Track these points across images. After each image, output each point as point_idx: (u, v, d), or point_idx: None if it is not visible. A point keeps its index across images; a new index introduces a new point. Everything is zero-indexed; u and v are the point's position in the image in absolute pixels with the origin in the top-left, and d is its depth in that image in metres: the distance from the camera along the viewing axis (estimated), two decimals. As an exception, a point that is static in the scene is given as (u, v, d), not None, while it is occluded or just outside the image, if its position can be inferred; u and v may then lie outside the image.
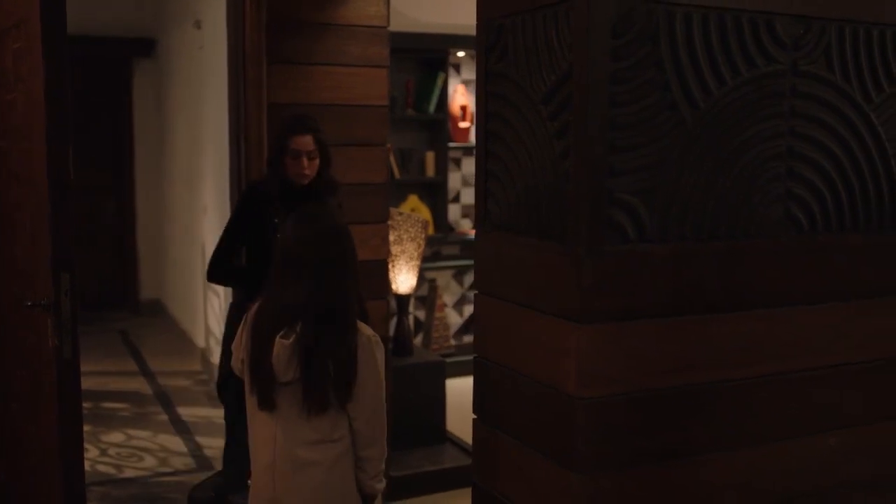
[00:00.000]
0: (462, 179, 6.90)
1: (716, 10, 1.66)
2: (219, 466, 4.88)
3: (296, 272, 2.46)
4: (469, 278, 6.92)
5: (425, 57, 6.54)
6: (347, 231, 2.59)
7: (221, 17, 4.83)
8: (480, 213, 1.94)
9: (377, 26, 4.20)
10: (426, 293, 6.76)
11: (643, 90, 1.62)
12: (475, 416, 2.00)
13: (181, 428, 5.55)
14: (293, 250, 2.49)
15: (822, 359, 1.85)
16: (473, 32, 2.00)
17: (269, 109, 3.98)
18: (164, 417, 5.74)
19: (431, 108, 6.52)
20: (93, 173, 8.14)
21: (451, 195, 6.82)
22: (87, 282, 6.55)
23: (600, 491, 1.65)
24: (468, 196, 6.92)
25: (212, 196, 6.37)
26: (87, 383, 3.28)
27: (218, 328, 6.27)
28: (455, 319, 6.94)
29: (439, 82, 6.49)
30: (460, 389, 5.16)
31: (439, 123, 6.60)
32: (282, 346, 2.42)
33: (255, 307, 2.57)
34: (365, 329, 2.51)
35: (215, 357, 6.38)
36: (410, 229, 5.03)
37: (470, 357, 2.07)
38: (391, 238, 4.69)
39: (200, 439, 5.35)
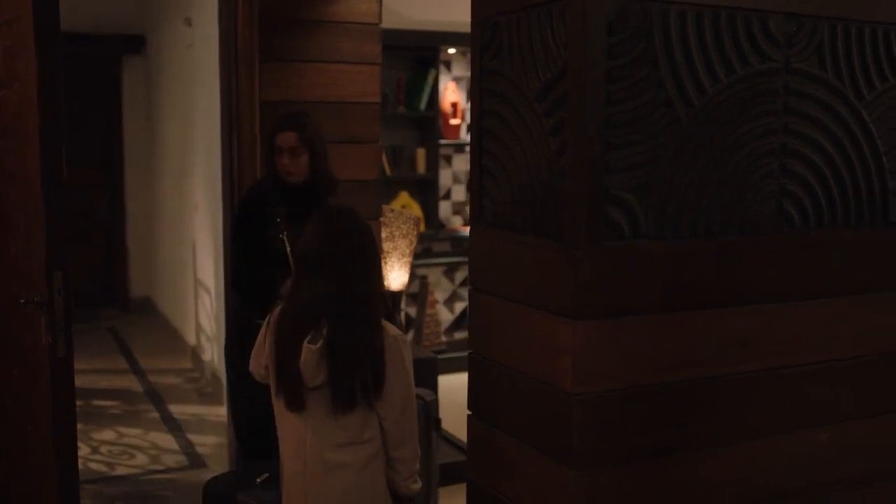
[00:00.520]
0: (453, 176, 6.91)
1: (710, 8, 1.67)
2: (211, 464, 4.89)
3: (316, 272, 2.42)
4: (460, 275, 6.92)
5: (416, 54, 6.54)
6: (368, 228, 2.54)
7: (212, 13, 4.81)
8: (475, 210, 1.94)
9: (369, 23, 4.19)
10: (417, 290, 6.76)
11: (638, 88, 1.63)
12: (470, 413, 2.00)
13: (172, 425, 5.54)
14: (312, 250, 2.45)
15: (815, 354, 1.86)
16: (465, 29, 2.00)
17: (261, 107, 3.97)
18: (156, 415, 5.73)
19: (422, 105, 6.52)
20: (87, 171, 8.11)
21: (441, 192, 6.83)
22: (78, 280, 6.52)
23: (597, 487, 1.66)
24: (459, 193, 6.93)
25: (203, 194, 6.35)
26: (78, 381, 3.26)
27: (209, 326, 6.26)
28: (446, 316, 6.95)
29: (430, 79, 6.49)
30: (452, 386, 5.15)
31: (430, 120, 6.60)
32: (309, 351, 2.37)
33: (277, 310, 2.53)
34: (391, 329, 2.47)
35: (206, 354, 6.38)
36: (402, 226, 5.03)
37: (461, 353, 2.07)
38: (383, 235, 4.69)
39: (192, 437, 5.34)
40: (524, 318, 1.75)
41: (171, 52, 7.48)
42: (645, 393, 1.68)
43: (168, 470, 4.87)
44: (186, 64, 6.74)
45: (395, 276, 5.13)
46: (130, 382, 6.44)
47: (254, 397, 3.48)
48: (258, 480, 2.70)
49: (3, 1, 3.12)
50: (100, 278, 8.59)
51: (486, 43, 1.86)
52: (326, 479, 2.45)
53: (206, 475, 4.74)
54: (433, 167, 6.66)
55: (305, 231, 2.51)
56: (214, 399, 5.87)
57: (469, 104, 3.29)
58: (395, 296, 5.21)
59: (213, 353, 6.13)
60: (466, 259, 2.45)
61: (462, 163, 6.85)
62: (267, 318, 2.57)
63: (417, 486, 2.62)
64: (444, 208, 6.90)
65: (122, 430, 5.46)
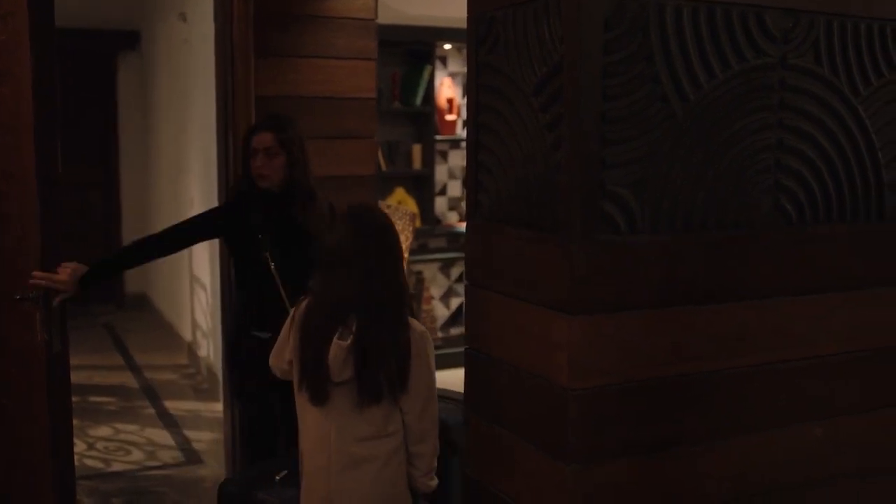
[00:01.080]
0: (448, 172, 6.90)
1: (706, 3, 1.67)
2: (207, 459, 4.89)
3: (345, 269, 2.45)
4: (456, 271, 6.93)
5: (412, 49, 6.53)
6: (394, 226, 2.59)
7: (207, 9, 4.80)
8: (471, 206, 1.94)
9: (365, 18, 4.19)
10: (413, 286, 6.76)
11: (634, 83, 1.63)
12: (466, 409, 2.00)
13: (168, 421, 5.54)
14: (342, 248, 2.48)
15: (810, 349, 1.87)
16: (461, 25, 2.00)
17: (256, 102, 3.96)
18: (151, 411, 5.73)
19: (418, 100, 6.51)
20: (84, 169, 8.09)
21: (437, 188, 6.82)
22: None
23: (593, 483, 1.66)
24: (455, 189, 6.92)
25: (198, 190, 6.35)
26: (73, 377, 3.26)
27: (205, 322, 6.26)
28: (442, 312, 6.95)
29: (426, 75, 6.48)
30: (448, 381, 5.15)
31: (426, 116, 6.59)
32: (339, 347, 2.41)
33: (302, 306, 2.55)
34: (416, 325, 2.52)
35: (202, 350, 6.37)
36: (398, 222, 5.01)
37: (457, 349, 2.08)
38: (379, 231, 4.68)
39: (188, 433, 5.34)
40: (520, 313, 1.75)
41: (166, 48, 7.46)
42: (640, 388, 1.68)
43: (164, 466, 4.87)
44: (182, 60, 6.73)
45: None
46: (126, 379, 6.44)
47: (254, 398, 3.49)
48: (277, 478, 2.69)
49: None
50: (95, 274, 8.56)
51: (481, 38, 1.86)
52: (351, 473, 2.48)
53: (202, 471, 4.76)
54: (429, 163, 6.66)
55: (332, 229, 2.55)
56: (210, 395, 5.86)
57: (465, 99, 3.28)
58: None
59: (209, 349, 6.13)
60: (462, 255, 2.46)
61: (458, 158, 6.85)
62: (291, 313, 2.60)
63: (434, 482, 2.65)
64: (440, 204, 6.89)
65: (119, 426, 5.45)
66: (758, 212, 1.78)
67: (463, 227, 4.96)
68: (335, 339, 2.41)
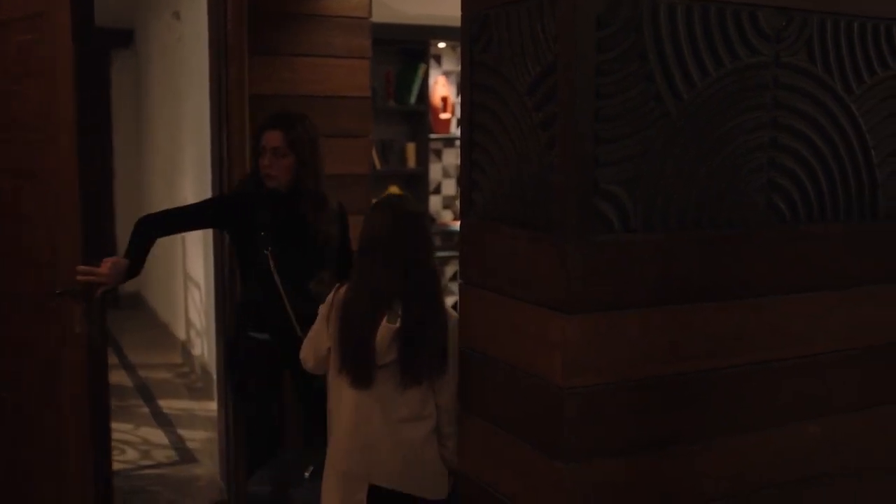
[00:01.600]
0: (443, 171, 6.90)
1: (699, 2, 1.67)
2: (202, 458, 4.88)
3: (386, 257, 2.52)
4: (450, 269, 6.92)
5: (406, 48, 6.52)
6: (424, 213, 2.62)
7: (201, 7, 4.79)
8: (465, 204, 1.94)
9: (360, 17, 4.18)
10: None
11: (628, 82, 1.63)
12: (462, 408, 2.00)
13: (163, 421, 5.53)
14: (381, 236, 2.55)
15: (806, 348, 1.87)
16: (455, 23, 2.00)
17: (251, 101, 3.95)
18: (146, 410, 5.72)
19: (412, 99, 6.50)
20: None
21: (431, 186, 6.81)
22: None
23: (589, 482, 1.66)
24: (449, 187, 6.92)
25: (192, 189, 6.33)
26: (68, 377, 3.26)
27: (199, 321, 6.24)
28: (437, 310, 6.94)
29: (420, 73, 6.47)
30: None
31: (420, 115, 6.58)
32: (388, 330, 2.47)
33: (341, 294, 2.61)
34: (450, 310, 2.58)
35: (196, 349, 6.36)
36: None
37: (454, 348, 2.07)
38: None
39: (182, 432, 5.33)
40: (515, 312, 1.75)
41: (160, 47, 7.45)
42: (637, 387, 1.68)
43: (158, 465, 4.86)
44: (175, 58, 6.72)
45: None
46: (120, 378, 6.42)
47: (253, 398, 3.48)
48: (306, 475, 2.69)
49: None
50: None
51: (476, 37, 1.86)
52: (390, 453, 2.53)
53: (197, 470, 4.75)
54: (423, 161, 6.65)
55: (368, 218, 2.60)
56: (204, 394, 5.86)
57: (459, 98, 3.28)
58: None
59: (203, 348, 6.12)
60: (457, 253, 2.47)
61: (452, 157, 6.84)
62: (329, 301, 2.64)
63: None
64: (434, 203, 6.89)
65: (113, 425, 5.38)
66: (751, 210, 1.78)
67: (457, 225, 4.96)
68: (384, 323, 2.47)
